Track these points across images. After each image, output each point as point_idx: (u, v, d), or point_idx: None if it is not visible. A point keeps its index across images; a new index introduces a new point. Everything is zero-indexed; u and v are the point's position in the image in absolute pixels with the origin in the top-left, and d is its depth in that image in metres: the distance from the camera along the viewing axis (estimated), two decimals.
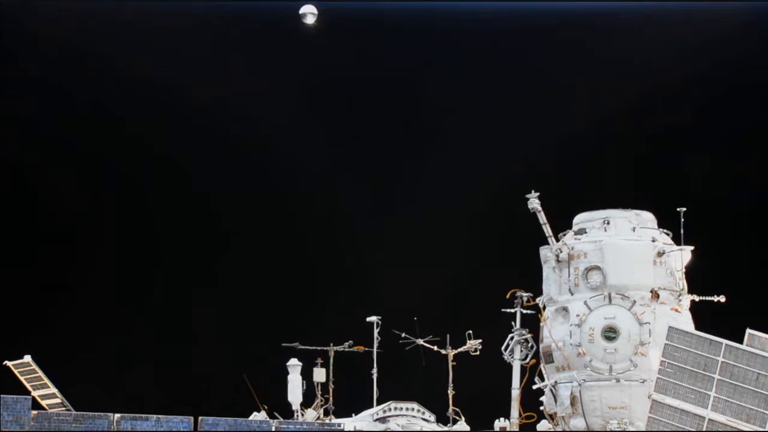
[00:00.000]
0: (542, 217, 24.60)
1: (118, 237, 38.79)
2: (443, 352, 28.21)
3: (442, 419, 27.44)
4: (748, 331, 22.26)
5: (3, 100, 36.22)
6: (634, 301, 24.17)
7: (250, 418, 26.54)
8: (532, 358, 24.68)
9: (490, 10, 38.06)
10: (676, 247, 24.78)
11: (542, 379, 25.08)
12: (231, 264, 38.72)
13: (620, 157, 37.47)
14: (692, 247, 24.88)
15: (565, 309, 24.68)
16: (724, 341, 22.03)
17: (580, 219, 25.31)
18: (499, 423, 25.55)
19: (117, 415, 22.30)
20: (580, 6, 37.65)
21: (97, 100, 38.28)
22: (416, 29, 38.45)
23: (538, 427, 25.36)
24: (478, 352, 27.70)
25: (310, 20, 32.89)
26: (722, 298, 24.47)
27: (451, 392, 27.72)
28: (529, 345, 24.59)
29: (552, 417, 25.02)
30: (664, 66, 37.56)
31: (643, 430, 22.98)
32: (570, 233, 25.27)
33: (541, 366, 24.98)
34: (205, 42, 38.52)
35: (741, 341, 22.15)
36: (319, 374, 27.84)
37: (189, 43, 38.23)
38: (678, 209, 24.89)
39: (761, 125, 36.59)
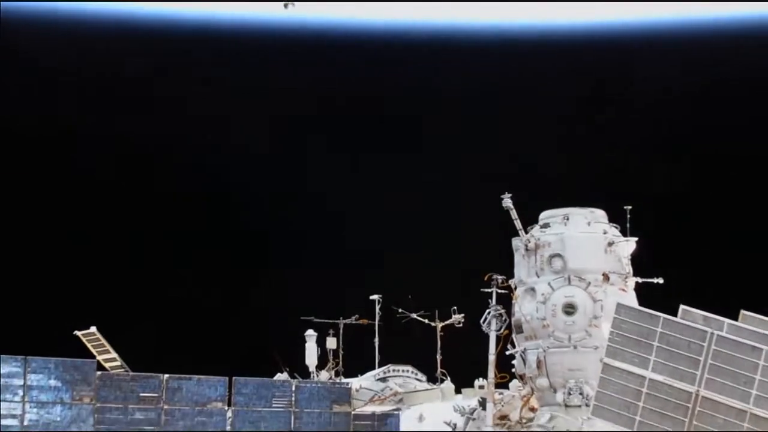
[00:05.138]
0: (514, 214, 25.85)
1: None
2: (433, 324, 30.13)
3: (431, 379, 29.70)
4: (682, 306, 23.12)
5: (3, 100, 36.98)
6: (589, 283, 25.63)
7: (275, 378, 28.09)
8: (505, 329, 25.36)
9: (482, 27, 39.77)
10: (623, 239, 26.12)
11: (514, 347, 26.30)
12: (257, 259, 40.82)
13: (579, 163, 38.51)
14: (636, 239, 26.12)
15: (533, 289, 26.03)
16: (662, 315, 22.54)
17: (544, 215, 26.59)
18: (479, 382, 26.65)
19: (166, 376, 24.05)
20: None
21: (95, 101, 39.18)
22: (413, 46, 39.78)
23: (510, 385, 26.75)
24: (461, 325, 29.60)
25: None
26: (660, 280, 25.94)
27: (439, 357, 29.65)
28: (503, 318, 25.24)
29: (522, 377, 26.40)
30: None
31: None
32: (536, 227, 26.49)
33: (513, 336, 26.13)
34: (206, 52, 39.55)
35: (676, 315, 22.86)
36: (331, 342, 29.72)
37: (191, 52, 39.55)
38: (625, 207, 26.22)
39: (695, 133, 38.10)
